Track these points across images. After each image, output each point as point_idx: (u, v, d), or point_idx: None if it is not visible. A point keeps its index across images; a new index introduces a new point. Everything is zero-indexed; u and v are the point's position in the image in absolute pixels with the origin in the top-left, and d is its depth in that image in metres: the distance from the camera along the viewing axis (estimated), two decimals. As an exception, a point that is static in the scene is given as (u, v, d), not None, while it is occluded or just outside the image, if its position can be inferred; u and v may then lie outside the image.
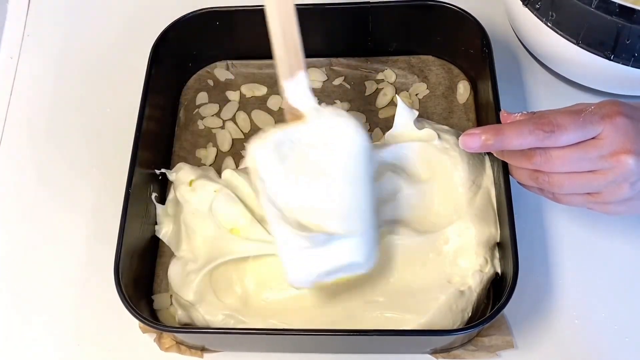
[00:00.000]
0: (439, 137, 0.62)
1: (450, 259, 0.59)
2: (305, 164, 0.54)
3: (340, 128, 0.54)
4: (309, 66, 0.74)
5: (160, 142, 0.70)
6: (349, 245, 0.55)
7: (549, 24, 0.64)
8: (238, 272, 0.61)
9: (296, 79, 0.54)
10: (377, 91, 0.73)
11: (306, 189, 0.54)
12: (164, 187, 0.68)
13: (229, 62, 0.76)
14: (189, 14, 0.70)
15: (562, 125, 0.51)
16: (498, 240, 0.60)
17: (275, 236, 0.55)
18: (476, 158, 0.63)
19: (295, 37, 0.54)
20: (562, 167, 0.52)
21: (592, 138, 0.51)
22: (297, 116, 0.55)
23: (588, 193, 0.54)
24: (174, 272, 0.62)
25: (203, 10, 0.70)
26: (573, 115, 0.52)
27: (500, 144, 0.53)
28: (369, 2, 0.69)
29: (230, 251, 0.60)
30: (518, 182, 0.57)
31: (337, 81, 0.74)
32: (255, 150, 0.54)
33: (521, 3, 0.66)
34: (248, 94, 0.74)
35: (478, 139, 0.54)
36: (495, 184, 0.62)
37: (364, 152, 0.55)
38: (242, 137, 0.72)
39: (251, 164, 0.54)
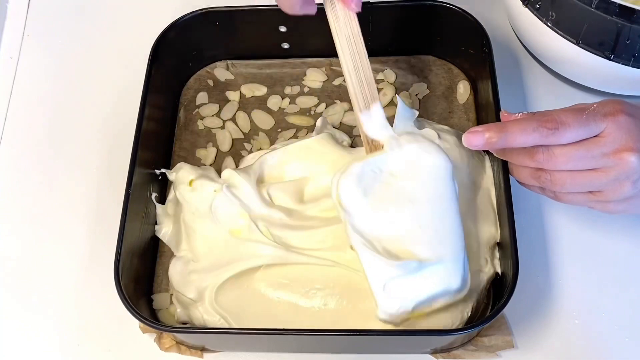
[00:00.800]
0: (439, 137, 0.62)
1: None
2: (390, 193, 0.55)
3: (421, 154, 0.55)
4: (308, 66, 0.75)
5: (160, 142, 0.70)
6: (442, 271, 0.54)
7: (549, 24, 0.64)
8: (244, 278, 0.61)
9: (372, 110, 0.56)
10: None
11: (393, 217, 0.54)
12: (164, 187, 0.68)
13: (229, 62, 0.76)
14: (189, 14, 0.70)
15: (566, 122, 0.51)
16: (498, 240, 0.60)
17: (364, 268, 0.54)
18: (476, 158, 0.63)
19: (367, 70, 0.56)
20: (565, 164, 0.52)
21: (595, 136, 0.52)
22: (376, 146, 0.56)
23: (590, 191, 0.54)
24: (175, 270, 0.62)
25: (203, 10, 0.70)
26: (576, 113, 0.52)
27: (504, 142, 0.53)
28: (369, 2, 0.69)
29: (239, 259, 0.60)
30: (518, 181, 0.57)
31: (337, 81, 0.74)
32: (339, 184, 0.54)
33: (521, 3, 0.66)
34: (248, 94, 0.74)
35: (482, 136, 0.54)
36: (495, 184, 0.62)
37: (446, 174, 0.55)
38: (242, 137, 0.72)
39: (335, 198, 0.55)
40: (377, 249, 0.54)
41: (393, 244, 0.54)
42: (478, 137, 0.54)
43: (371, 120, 0.56)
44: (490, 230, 0.60)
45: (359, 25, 0.55)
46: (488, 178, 0.62)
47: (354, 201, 0.54)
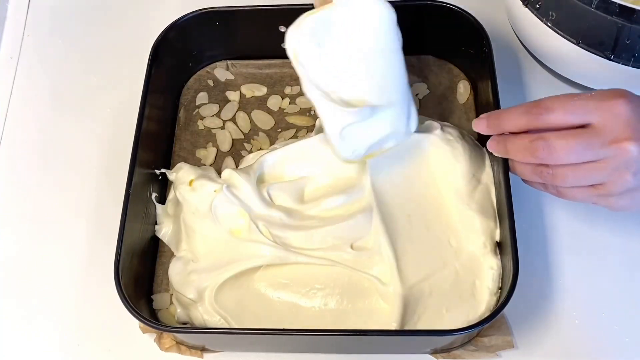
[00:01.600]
0: (442, 129, 0.63)
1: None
2: (341, 46, 0.56)
3: (366, 5, 0.57)
4: (309, 66, 0.74)
5: (160, 142, 0.70)
6: (391, 115, 0.58)
7: (549, 24, 0.64)
8: (244, 278, 0.61)
9: None
10: (377, 91, 0.73)
11: (345, 68, 0.57)
12: (164, 187, 0.68)
13: (229, 62, 0.76)
14: (189, 14, 0.70)
15: (550, 107, 0.53)
16: (498, 239, 0.60)
17: (321, 117, 0.58)
18: (477, 153, 0.63)
19: None
20: (566, 158, 0.52)
21: (594, 127, 0.51)
22: (326, 1, 0.57)
23: (592, 185, 0.54)
24: (175, 271, 0.62)
25: (203, 10, 0.70)
26: (563, 98, 0.53)
27: (498, 125, 0.56)
28: (369, 2, 0.69)
29: (239, 259, 0.60)
30: (521, 178, 0.57)
31: (337, 81, 0.74)
32: (293, 37, 0.56)
33: (521, 3, 0.66)
34: (248, 94, 0.74)
35: (484, 122, 0.57)
36: (495, 183, 0.62)
37: (391, 24, 0.57)
38: (242, 137, 0.72)
39: (290, 52, 0.56)
40: (333, 99, 0.57)
41: (347, 94, 0.57)
42: (481, 123, 0.57)
43: None
44: (489, 225, 0.60)
45: None
46: (488, 175, 0.63)
47: (308, 53, 0.56)
